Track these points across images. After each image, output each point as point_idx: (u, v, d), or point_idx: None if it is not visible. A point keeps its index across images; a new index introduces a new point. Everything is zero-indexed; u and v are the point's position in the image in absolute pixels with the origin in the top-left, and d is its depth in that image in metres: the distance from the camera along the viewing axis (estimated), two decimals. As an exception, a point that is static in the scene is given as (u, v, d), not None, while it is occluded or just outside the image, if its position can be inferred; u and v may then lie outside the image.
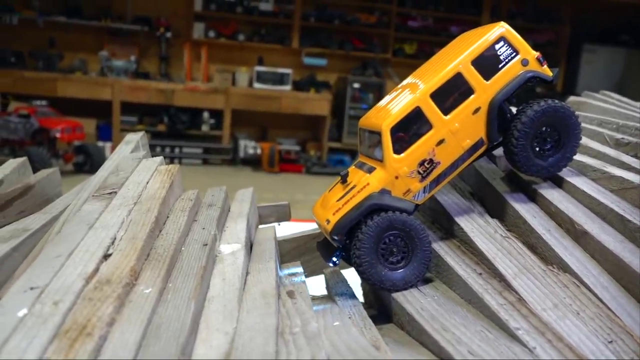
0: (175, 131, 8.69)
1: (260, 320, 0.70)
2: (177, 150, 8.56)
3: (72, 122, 7.37)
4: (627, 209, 0.97)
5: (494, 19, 9.64)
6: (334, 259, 1.03)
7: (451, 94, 0.97)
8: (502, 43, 0.98)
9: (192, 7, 8.75)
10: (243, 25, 9.08)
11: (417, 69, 1.11)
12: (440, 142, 0.98)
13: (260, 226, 1.58)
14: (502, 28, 1.00)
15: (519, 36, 1.00)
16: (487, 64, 0.98)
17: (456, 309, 0.90)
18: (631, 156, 1.17)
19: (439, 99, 0.96)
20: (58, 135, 7.17)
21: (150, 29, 8.62)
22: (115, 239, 0.89)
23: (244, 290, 0.88)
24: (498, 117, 1.00)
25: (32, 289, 0.73)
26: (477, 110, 0.99)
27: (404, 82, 1.09)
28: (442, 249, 1.06)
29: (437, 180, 0.99)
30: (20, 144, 7.25)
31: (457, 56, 0.98)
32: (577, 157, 1.18)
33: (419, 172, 0.97)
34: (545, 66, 1.02)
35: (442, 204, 1.15)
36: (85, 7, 8.43)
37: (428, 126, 0.96)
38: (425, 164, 0.97)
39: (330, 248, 1.06)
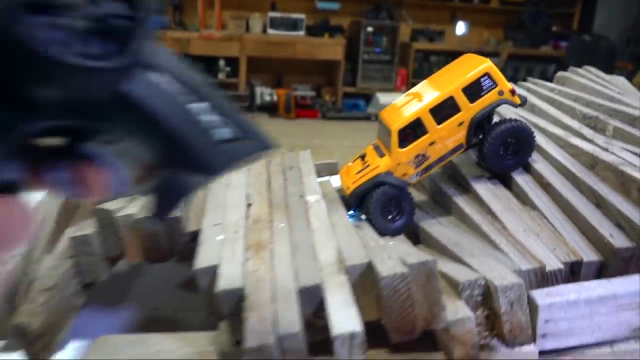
0: (192, 80, 9.13)
1: (349, 240, 1.27)
2: (195, 98, 9.03)
3: (95, 75, 7.81)
4: (579, 168, 1.50)
5: (510, -44, 9.70)
6: (351, 212, 1.50)
7: (444, 110, 1.38)
8: (486, 77, 1.38)
9: (204, -48, 8.93)
10: (255, -31, 9.28)
11: (428, 79, 1.59)
12: (432, 143, 1.41)
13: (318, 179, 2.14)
14: (487, 66, 1.38)
15: (499, 72, 1.45)
16: (473, 91, 1.37)
17: (464, 234, 1.46)
18: (591, 128, 1.69)
19: (434, 113, 1.37)
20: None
21: (163, -24, 8.88)
22: (248, 194, 1.43)
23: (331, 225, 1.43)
24: (477, 128, 1.47)
25: (215, 225, 1.29)
26: (461, 124, 1.41)
27: (416, 89, 1.56)
28: (455, 195, 1.61)
29: (426, 169, 1.47)
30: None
31: (453, 82, 1.38)
32: (551, 129, 1.70)
33: (414, 162, 1.45)
34: (516, 96, 1.48)
35: (456, 164, 1.69)
36: (97, -45, 8.67)
37: (425, 131, 1.39)
38: (420, 157, 1.44)
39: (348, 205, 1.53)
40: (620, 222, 1.32)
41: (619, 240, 1.26)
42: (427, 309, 1.01)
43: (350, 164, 1.64)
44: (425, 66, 10.06)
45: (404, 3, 9.76)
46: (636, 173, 1.37)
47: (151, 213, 0.48)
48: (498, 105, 1.47)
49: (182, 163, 0.42)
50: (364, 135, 8.63)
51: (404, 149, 1.47)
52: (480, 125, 1.51)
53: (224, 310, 1.06)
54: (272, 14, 9.22)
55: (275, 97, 9.18)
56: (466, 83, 1.44)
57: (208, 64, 9.18)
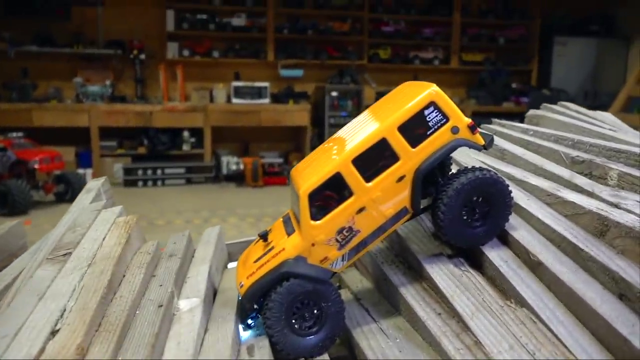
0: (156, 153, 8.63)
1: None
2: (159, 171, 8.49)
3: (50, 152, 7.29)
4: (580, 235, 0.97)
5: (465, 18, 9.76)
6: (249, 321, 0.99)
7: (375, 160, 0.92)
8: (432, 108, 0.94)
9: (164, 28, 8.71)
10: (217, 41, 9.07)
11: (360, 115, 1.09)
12: (361, 209, 0.93)
13: (230, 265, 1.56)
14: (432, 92, 0.95)
15: (450, 101, 0.97)
16: (415, 130, 0.93)
17: (416, 353, 0.89)
18: (585, 175, 1.18)
19: (361, 165, 0.91)
20: (36, 166, 7.08)
21: (124, 52, 8.58)
22: (65, 310, 0.86)
23: (199, 352, 0.86)
24: (428, 183, 0.97)
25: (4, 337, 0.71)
26: (401, 178, 0.94)
27: (341, 133, 1.06)
28: (404, 286, 1.05)
29: (356, 249, 0.94)
30: (-2, 177, 7.12)
31: (384, 118, 0.94)
32: (533, 180, 1.18)
33: (337, 240, 0.92)
34: (478, 134, 0.98)
35: (404, 238, 1.14)
36: (57, 35, 8.35)
37: (348, 192, 0.92)
38: (344, 232, 0.92)
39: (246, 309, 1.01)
40: (665, 324, 0.78)
41: (673, 362, 0.71)
42: None
43: (252, 245, 1.10)
44: (392, 127, 9.77)
45: (366, 67, 9.61)
46: (674, 241, 0.85)
47: None
48: (453, 148, 0.96)
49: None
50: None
51: (320, 221, 0.93)
52: (432, 179, 0.99)
53: None
54: (235, 84, 8.92)
55: (241, 166, 8.68)
56: (403, 118, 0.93)
57: (172, 135, 8.73)
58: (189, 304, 0.99)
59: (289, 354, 0.91)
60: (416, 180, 0.94)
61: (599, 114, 1.66)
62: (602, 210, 0.98)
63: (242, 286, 0.96)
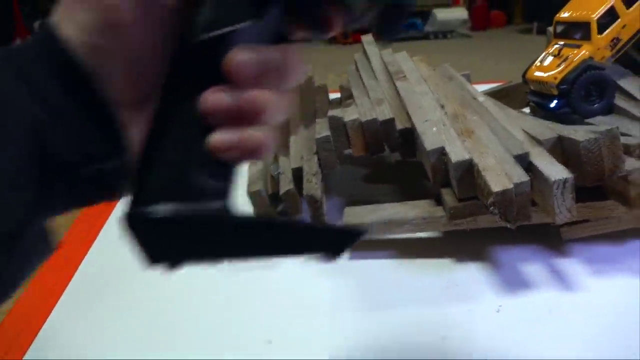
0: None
1: (532, 123, 1.65)
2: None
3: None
4: None
5: None
6: (553, 103, 1.53)
7: None
8: None
9: None
10: None
11: None
12: (624, 26, 1.51)
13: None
14: None
15: None
16: None
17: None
18: None
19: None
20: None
21: None
22: (437, 98, 1.82)
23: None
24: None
25: (425, 121, 1.69)
26: None
27: None
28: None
29: (619, 50, 1.53)
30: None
31: None
32: None
33: (610, 45, 1.53)
34: None
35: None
36: None
37: (617, 17, 1.50)
38: (614, 40, 1.53)
39: (547, 98, 1.59)
40: None
41: None
42: (611, 162, 1.40)
43: (537, 64, 1.70)
44: (479, -21, 9.75)
45: None
46: None
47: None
48: None
49: None
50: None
51: (602, 35, 1.56)
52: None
53: (455, 177, 1.47)
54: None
55: (333, 23, 9.16)
56: None
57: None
58: (482, 98, 1.94)
59: (581, 115, 1.48)
60: None
61: None
62: None
63: (556, 78, 1.53)
